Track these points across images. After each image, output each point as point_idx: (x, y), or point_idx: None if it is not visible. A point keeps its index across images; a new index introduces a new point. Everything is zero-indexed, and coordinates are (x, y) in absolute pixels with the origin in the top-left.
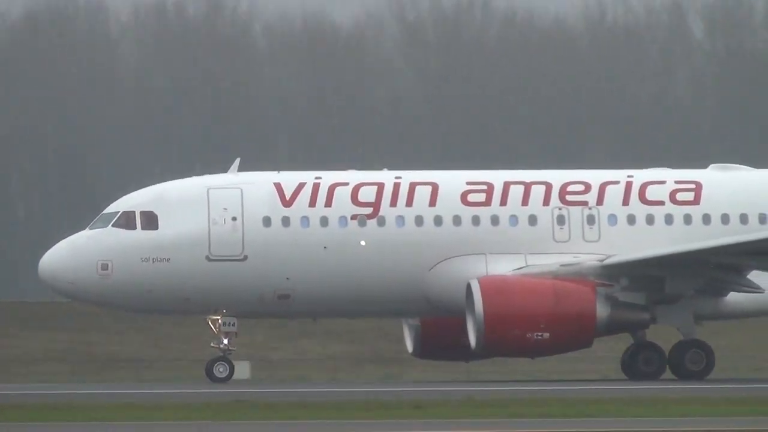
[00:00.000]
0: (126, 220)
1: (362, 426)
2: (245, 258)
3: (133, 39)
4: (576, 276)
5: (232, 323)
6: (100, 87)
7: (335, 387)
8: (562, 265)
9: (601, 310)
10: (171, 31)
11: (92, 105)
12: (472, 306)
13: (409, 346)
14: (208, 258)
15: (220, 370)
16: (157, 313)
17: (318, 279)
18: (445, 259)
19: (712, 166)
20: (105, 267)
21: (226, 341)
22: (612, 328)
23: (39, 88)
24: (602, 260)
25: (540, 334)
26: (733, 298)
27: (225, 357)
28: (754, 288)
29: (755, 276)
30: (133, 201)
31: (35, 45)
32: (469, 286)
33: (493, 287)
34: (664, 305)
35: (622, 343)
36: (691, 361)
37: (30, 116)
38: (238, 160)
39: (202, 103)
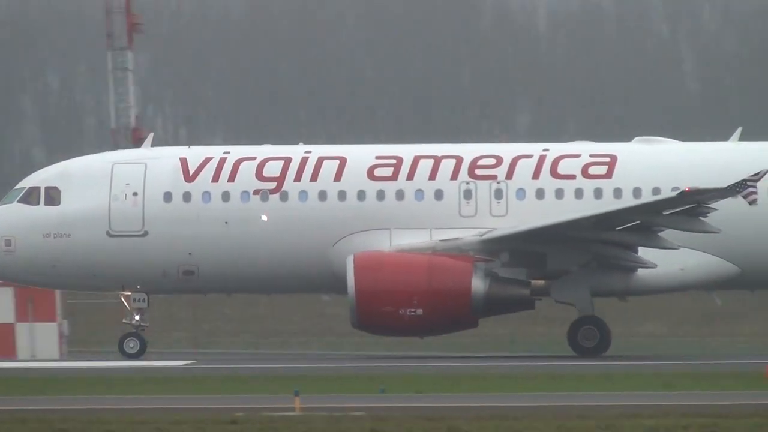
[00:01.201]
0: (30, 196)
1: None
2: (146, 233)
3: None
4: (455, 251)
5: (142, 299)
6: None
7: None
8: (441, 240)
9: (478, 286)
10: None
11: None
12: (346, 282)
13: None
14: (108, 234)
15: (131, 346)
16: (65, 289)
17: (220, 255)
18: (348, 235)
19: (636, 138)
20: (8, 243)
21: (137, 317)
22: (492, 304)
23: None
24: (482, 235)
25: (413, 310)
26: (641, 274)
27: (137, 333)
28: (642, 263)
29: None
30: (40, 176)
31: None
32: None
33: (367, 263)
34: (560, 281)
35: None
36: (584, 337)
37: None
38: (151, 135)
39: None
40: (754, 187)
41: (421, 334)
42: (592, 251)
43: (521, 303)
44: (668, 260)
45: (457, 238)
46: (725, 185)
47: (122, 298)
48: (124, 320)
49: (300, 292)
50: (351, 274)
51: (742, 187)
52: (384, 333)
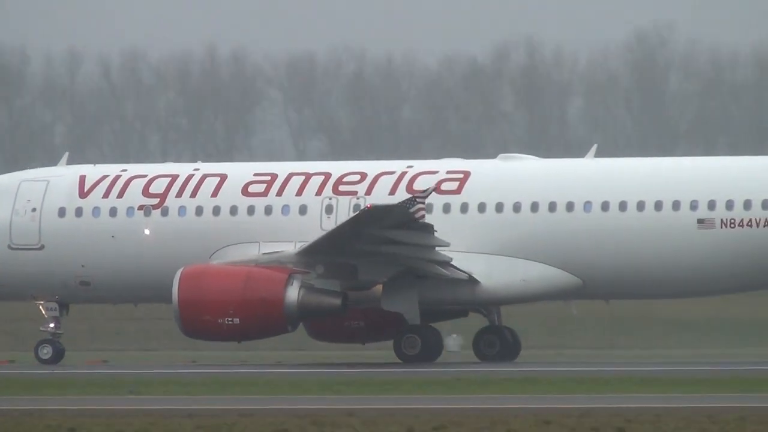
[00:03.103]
0: None
1: None
2: (42, 247)
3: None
4: (274, 264)
5: (53, 308)
6: None
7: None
8: (264, 254)
9: (291, 296)
10: None
11: None
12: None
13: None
14: (9, 246)
15: (45, 352)
16: None
17: (110, 266)
18: (222, 247)
19: (500, 156)
20: None
21: (51, 325)
22: (305, 312)
23: None
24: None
25: (230, 319)
26: (484, 285)
27: (52, 340)
28: (456, 276)
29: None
30: None
31: None
32: None
33: (190, 275)
34: (389, 291)
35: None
36: (408, 345)
37: None
38: (66, 154)
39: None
40: (423, 203)
41: (240, 340)
42: (403, 264)
43: (333, 311)
44: (509, 271)
45: (278, 251)
46: (398, 201)
47: (39, 307)
48: (40, 328)
49: None
50: (176, 285)
51: (412, 204)
52: (208, 339)
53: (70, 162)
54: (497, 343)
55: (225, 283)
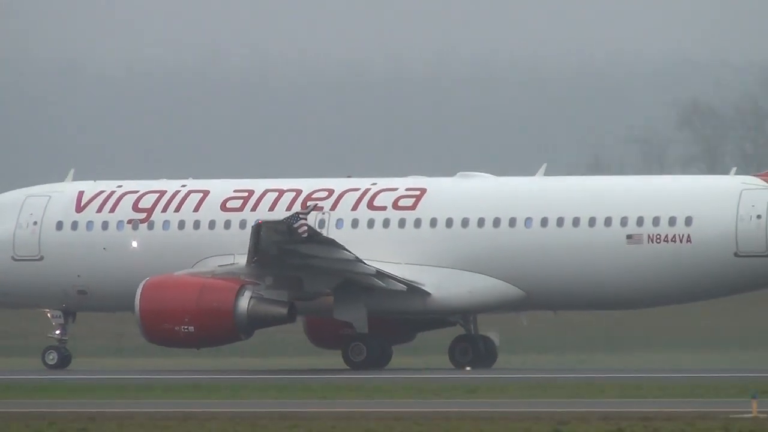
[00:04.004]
0: None
1: None
2: (42, 258)
3: None
4: (228, 275)
5: (58, 315)
6: None
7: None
8: (219, 266)
9: (241, 305)
10: None
11: None
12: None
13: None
14: (13, 258)
15: (51, 358)
16: None
17: (103, 276)
18: (203, 259)
19: (458, 173)
20: None
21: (57, 332)
22: (255, 321)
23: None
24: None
25: (186, 327)
26: (434, 295)
27: (57, 346)
28: (379, 285)
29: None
30: None
31: None
32: None
33: (152, 286)
34: (339, 301)
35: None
36: (355, 352)
37: None
38: (72, 171)
39: None
40: (305, 219)
41: (197, 347)
42: (342, 276)
43: (281, 320)
44: (457, 283)
45: (232, 264)
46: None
47: (47, 315)
48: (48, 335)
49: None
50: (138, 295)
51: (295, 220)
52: (167, 346)
53: (76, 177)
54: (470, 351)
55: (181, 294)
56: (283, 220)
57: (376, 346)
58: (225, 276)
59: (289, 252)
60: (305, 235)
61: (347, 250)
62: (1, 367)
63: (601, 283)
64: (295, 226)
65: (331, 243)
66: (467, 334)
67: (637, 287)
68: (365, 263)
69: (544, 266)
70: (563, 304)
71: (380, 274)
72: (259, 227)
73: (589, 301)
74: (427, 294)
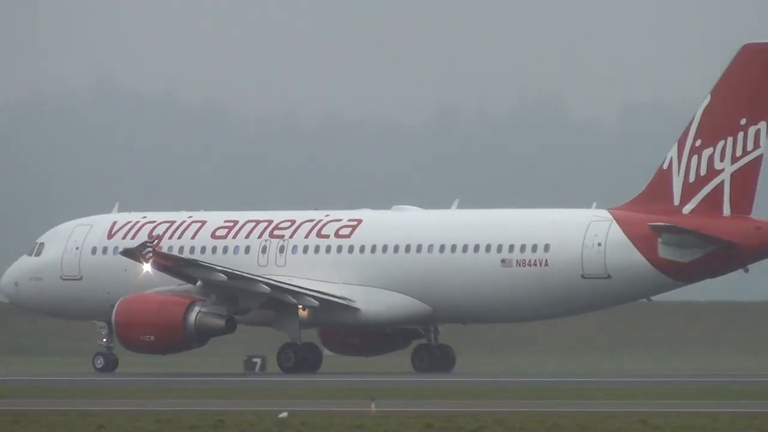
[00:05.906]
0: (33, 250)
1: None
2: (81, 278)
3: None
4: (184, 293)
5: (103, 326)
6: None
7: None
8: (178, 285)
9: (190, 318)
10: None
11: None
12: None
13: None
14: (61, 278)
15: (98, 362)
16: (50, 317)
17: (124, 293)
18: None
19: (393, 206)
20: (16, 284)
21: (104, 340)
22: (201, 331)
23: None
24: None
25: (149, 336)
26: (362, 311)
27: (105, 352)
28: (294, 302)
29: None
30: (45, 234)
31: None
32: None
33: (126, 302)
34: (277, 315)
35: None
36: (285, 359)
37: None
38: (117, 204)
39: None
40: (151, 247)
41: (162, 353)
42: (265, 295)
43: (221, 331)
44: (377, 300)
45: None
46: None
47: (96, 325)
48: (98, 342)
49: None
50: (114, 310)
51: (144, 247)
52: (138, 352)
53: (121, 209)
54: (427, 357)
55: (144, 308)
56: (131, 248)
57: (308, 353)
58: (181, 293)
59: (176, 273)
60: (150, 260)
61: (222, 270)
62: (54, 370)
63: (483, 301)
64: (144, 252)
65: (192, 263)
66: (428, 343)
67: (511, 304)
68: (262, 281)
69: (442, 286)
70: (460, 318)
71: (298, 293)
72: (120, 252)
73: (476, 316)
74: (358, 309)
